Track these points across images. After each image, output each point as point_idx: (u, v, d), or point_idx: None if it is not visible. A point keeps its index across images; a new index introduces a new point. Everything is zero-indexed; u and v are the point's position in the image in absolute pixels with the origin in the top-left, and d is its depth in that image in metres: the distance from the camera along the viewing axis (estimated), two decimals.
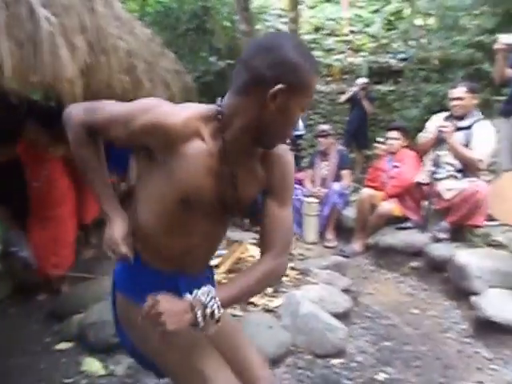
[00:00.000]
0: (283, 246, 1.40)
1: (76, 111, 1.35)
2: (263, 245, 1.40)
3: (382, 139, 4.77)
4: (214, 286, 1.33)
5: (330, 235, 5.12)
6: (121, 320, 1.51)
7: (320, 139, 5.51)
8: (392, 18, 7.79)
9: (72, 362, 2.81)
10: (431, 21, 7.48)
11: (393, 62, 8.65)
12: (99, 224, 4.33)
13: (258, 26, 8.92)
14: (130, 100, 3.48)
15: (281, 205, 1.39)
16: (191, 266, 1.46)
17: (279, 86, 1.15)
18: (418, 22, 7.49)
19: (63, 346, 2.97)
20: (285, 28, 9.67)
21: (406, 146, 4.78)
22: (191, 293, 1.24)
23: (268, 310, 3.16)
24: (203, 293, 1.22)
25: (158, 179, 1.31)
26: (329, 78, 9.42)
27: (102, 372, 2.70)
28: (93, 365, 2.75)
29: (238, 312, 3.13)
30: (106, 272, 3.69)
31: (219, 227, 1.47)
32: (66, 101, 2.35)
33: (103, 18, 2.87)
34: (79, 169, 1.40)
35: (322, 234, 5.19)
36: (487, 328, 2.94)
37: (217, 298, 1.22)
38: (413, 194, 4.40)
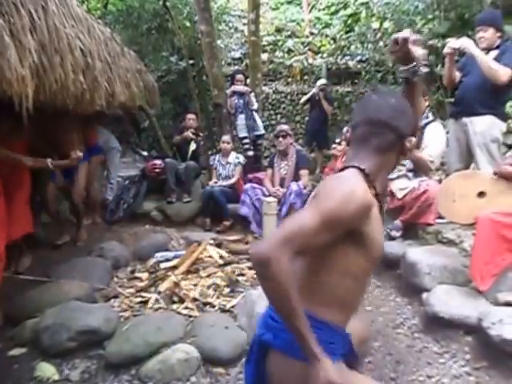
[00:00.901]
0: None
1: (275, 252, 1.21)
2: None
3: (338, 140, 4.86)
4: None
5: None
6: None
7: (279, 139, 5.56)
8: (349, 21, 7.94)
9: (25, 367, 2.76)
10: (387, 24, 7.66)
11: (351, 63, 8.83)
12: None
13: (220, 27, 8.95)
14: (87, 99, 3.42)
15: None
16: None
17: (413, 137, 1.52)
18: (375, 25, 7.67)
19: (16, 351, 2.91)
20: (245, 29, 9.70)
21: None
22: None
23: (224, 311, 3.20)
24: None
25: (356, 251, 1.40)
26: (289, 79, 9.51)
27: (57, 377, 2.67)
28: (47, 370, 2.71)
29: (194, 313, 3.15)
30: (62, 275, 3.63)
31: None
32: (16, 101, 2.32)
33: (57, 17, 2.82)
34: (282, 308, 1.27)
35: None
36: (436, 323, 3.03)
37: None
38: None
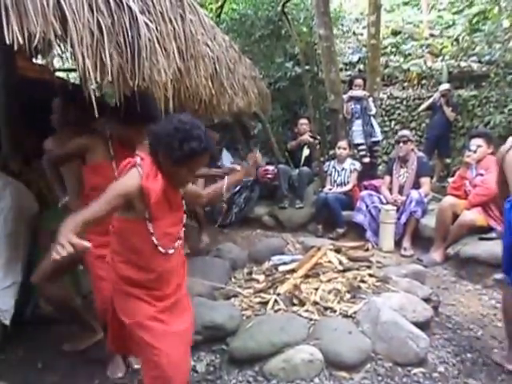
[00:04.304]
0: None
1: None
2: None
3: (474, 147, 4.58)
4: None
5: (406, 244, 4.98)
6: None
7: (400, 145, 5.38)
8: (476, 20, 7.42)
9: None
10: None
11: (475, 65, 8.27)
12: None
13: (334, 31, 8.89)
14: (213, 105, 3.54)
15: None
16: None
17: None
18: (505, 23, 7.10)
19: None
20: (362, 32, 9.51)
21: (492, 153, 4.57)
22: None
23: (346, 316, 3.14)
24: None
25: None
26: (405, 84, 9.14)
27: None
28: None
29: (315, 316, 3.13)
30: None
31: None
32: (160, 105, 2.46)
33: (192, 25, 2.96)
34: None
35: (398, 243, 5.06)
36: None
37: None
38: (498, 202, 4.18)
